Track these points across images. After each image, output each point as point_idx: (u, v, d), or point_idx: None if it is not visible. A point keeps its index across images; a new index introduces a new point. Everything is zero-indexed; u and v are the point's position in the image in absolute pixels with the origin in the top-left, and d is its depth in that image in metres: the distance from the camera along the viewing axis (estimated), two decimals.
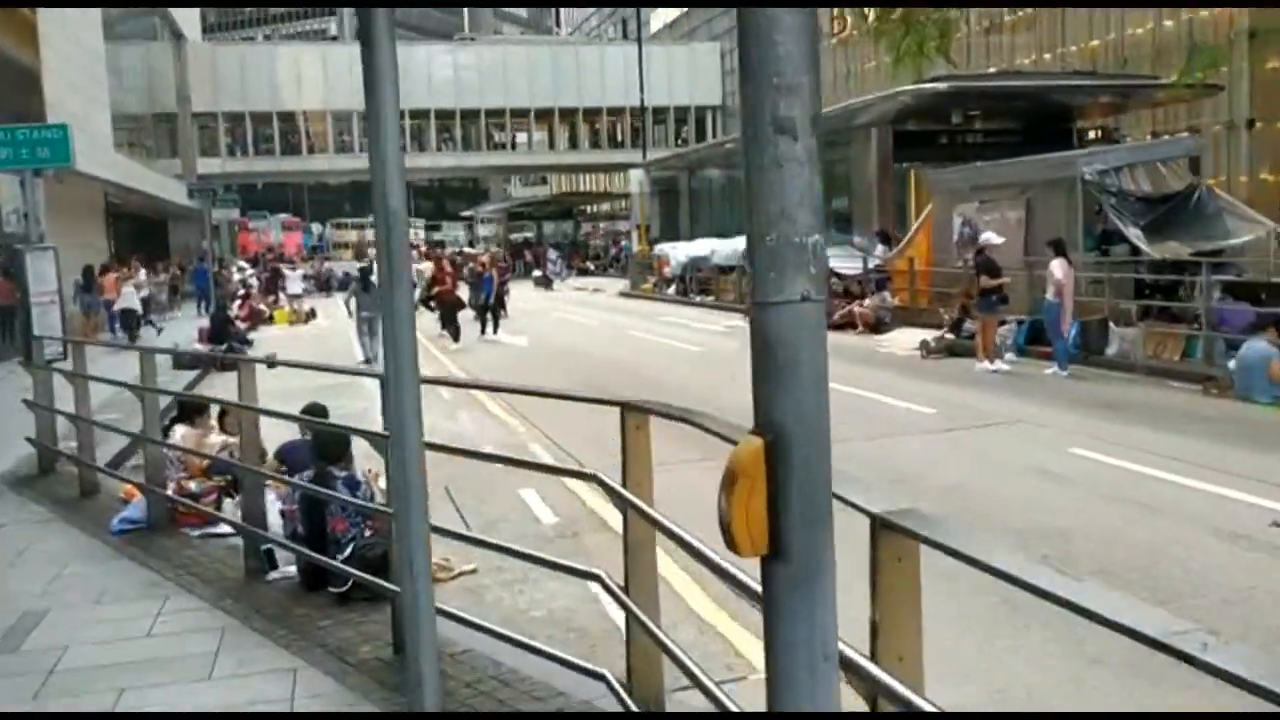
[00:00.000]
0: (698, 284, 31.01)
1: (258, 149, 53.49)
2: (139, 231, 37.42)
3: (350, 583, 5.69)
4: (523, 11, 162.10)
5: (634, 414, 3.83)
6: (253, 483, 6.51)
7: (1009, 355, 14.80)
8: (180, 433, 8.25)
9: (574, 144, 58.46)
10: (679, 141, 57.58)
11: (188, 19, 51.17)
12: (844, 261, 23.10)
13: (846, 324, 20.42)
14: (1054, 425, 10.21)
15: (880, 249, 22.71)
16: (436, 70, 54.99)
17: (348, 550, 5.88)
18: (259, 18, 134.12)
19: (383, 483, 7.50)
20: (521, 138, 58.49)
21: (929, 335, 17.19)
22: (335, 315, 33.04)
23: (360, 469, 6.51)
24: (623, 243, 58.33)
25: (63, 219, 23.87)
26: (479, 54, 57.68)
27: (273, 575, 6.39)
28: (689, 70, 57.73)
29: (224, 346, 20.13)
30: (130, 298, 24.25)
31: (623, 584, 3.88)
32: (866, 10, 26.38)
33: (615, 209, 77.83)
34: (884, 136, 23.87)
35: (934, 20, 19.90)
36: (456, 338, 20.68)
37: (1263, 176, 26.34)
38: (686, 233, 36.96)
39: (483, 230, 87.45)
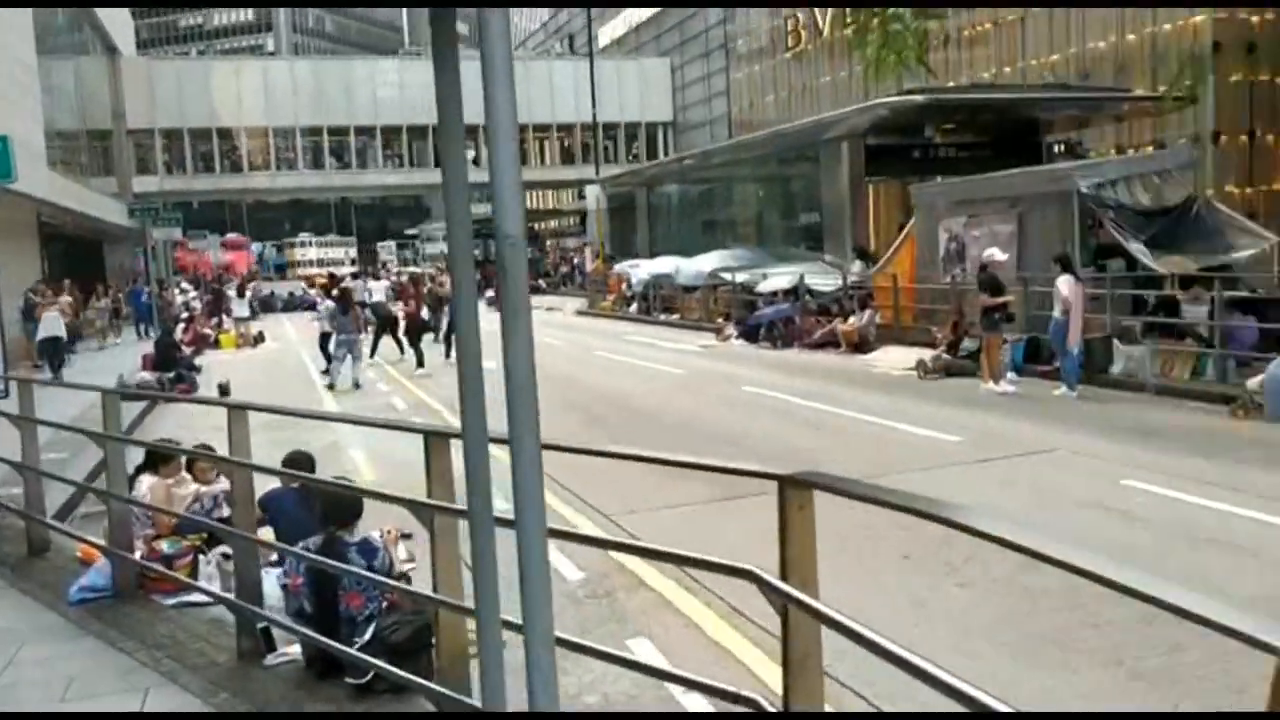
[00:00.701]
0: (661, 302, 30.26)
1: (196, 166, 51.81)
2: (73, 253, 35.73)
3: (372, 673, 4.77)
4: (464, 25, 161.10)
5: (798, 490, 2.99)
6: (246, 549, 5.55)
7: (1010, 375, 14.20)
8: (147, 484, 7.24)
9: (523, 160, 57.35)
10: (630, 157, 56.96)
11: (122, 33, 49.45)
12: (818, 278, 22.53)
13: (827, 343, 19.81)
14: (1093, 454, 9.55)
15: (858, 265, 22.15)
16: (382, 85, 53.78)
17: (368, 633, 4.96)
18: (194, 33, 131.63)
19: (403, 549, 6.60)
20: (469, 154, 57.43)
21: (924, 354, 16.58)
22: (283, 337, 31.80)
23: (374, 530, 5.59)
24: (575, 260, 57.51)
25: None
26: (428, 69, 56.55)
27: (272, 659, 5.42)
28: (639, 86, 57.18)
29: (171, 375, 18.92)
30: (54, 324, 21.46)
31: (782, 708, 3.02)
32: (844, 20, 25.82)
33: (563, 226, 77.11)
34: (855, 150, 23.36)
35: (912, 30, 19.33)
36: (421, 362, 19.64)
37: (1229, 189, 26.28)
38: (644, 249, 36.25)
39: (430, 248, 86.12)
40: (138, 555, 6.66)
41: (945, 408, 12.44)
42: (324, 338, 20.95)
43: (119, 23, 49.25)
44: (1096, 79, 28.82)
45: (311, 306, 47.75)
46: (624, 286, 35.93)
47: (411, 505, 4.52)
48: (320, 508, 5.31)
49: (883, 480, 8.62)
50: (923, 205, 18.90)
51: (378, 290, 28.11)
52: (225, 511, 7.83)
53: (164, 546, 6.75)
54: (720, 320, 26.36)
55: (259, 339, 29.24)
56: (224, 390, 18.39)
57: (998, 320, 13.52)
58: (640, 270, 31.63)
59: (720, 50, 52.00)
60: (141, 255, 56.30)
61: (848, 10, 27.61)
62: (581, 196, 71.35)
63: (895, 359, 17.45)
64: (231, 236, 60.63)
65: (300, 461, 6.80)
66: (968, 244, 17.38)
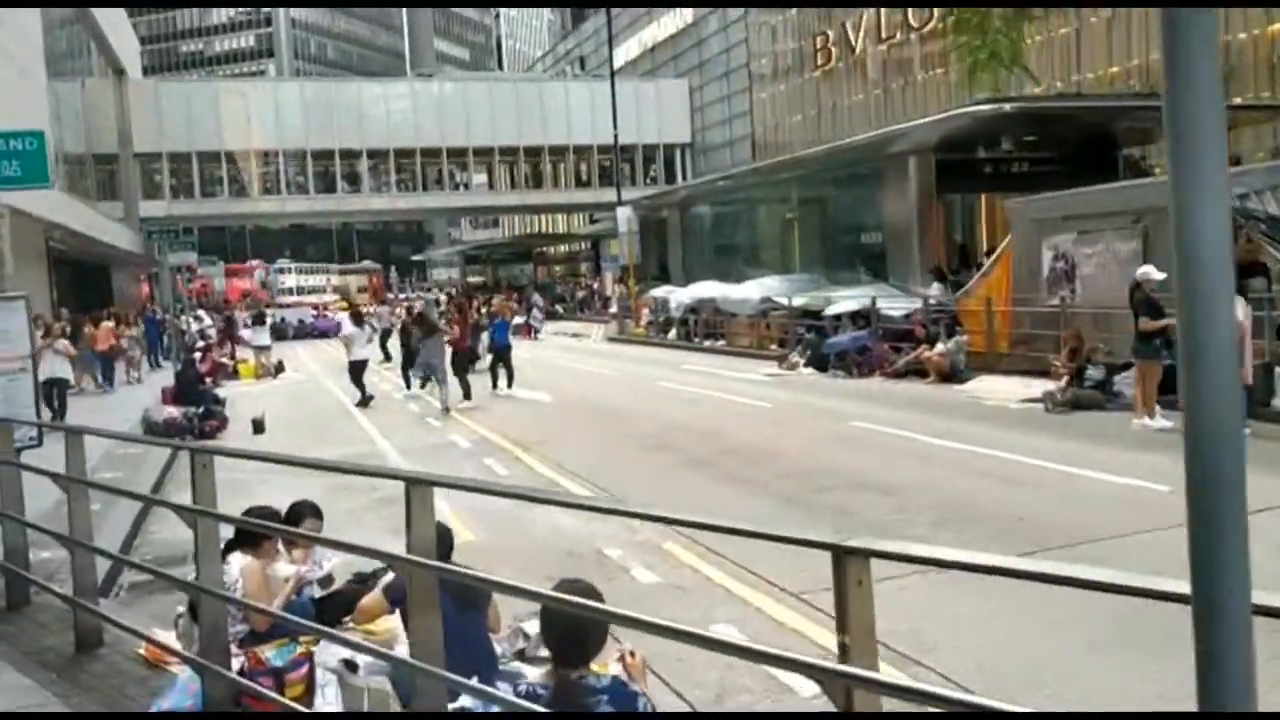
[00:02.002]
0: (703, 328, 28.66)
1: (204, 191, 50.30)
2: (81, 278, 34.16)
3: None
4: (465, 51, 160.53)
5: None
6: (435, 688, 3.88)
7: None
8: (239, 565, 5.60)
9: (538, 183, 56.06)
10: (648, 180, 55.54)
11: (129, 55, 48.09)
12: (890, 302, 20.97)
13: (910, 371, 18.22)
14: None
15: (935, 288, 20.56)
16: (394, 107, 52.41)
17: None
18: (195, 59, 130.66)
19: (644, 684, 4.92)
20: (481, 178, 55.92)
21: (1032, 384, 15.03)
22: (303, 366, 30.16)
23: (610, 657, 3.93)
24: (594, 284, 55.99)
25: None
26: (440, 90, 55.16)
27: None
28: (657, 107, 55.87)
29: (200, 410, 17.25)
30: (56, 365, 17.79)
31: None
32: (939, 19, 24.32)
33: (573, 250, 75.66)
34: (925, 166, 21.81)
35: (1009, 28, 17.85)
36: (468, 394, 17.98)
37: None
38: (678, 273, 34.67)
39: (437, 274, 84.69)
40: (235, 667, 5.00)
41: (1113, 448, 10.81)
42: (355, 367, 19.33)
43: (127, 45, 47.92)
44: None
45: (323, 334, 46.35)
46: (647, 311, 34.42)
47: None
48: (551, 639, 3.63)
49: (1125, 545, 7.00)
50: (1022, 221, 17.35)
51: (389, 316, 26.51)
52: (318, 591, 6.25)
53: (270, 656, 5.08)
54: (775, 347, 24.81)
55: (279, 368, 27.60)
56: (258, 426, 16.77)
57: (1158, 346, 11.91)
58: (679, 295, 30.04)
59: (741, 70, 50.69)
60: (146, 280, 54.88)
61: (939, 12, 26.11)
62: (593, 220, 70.12)
63: (1000, 389, 15.84)
64: (256, 263, 59.01)
65: (445, 538, 5.16)
66: (1079, 263, 15.82)
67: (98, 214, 34.00)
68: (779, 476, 10.33)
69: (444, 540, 4.92)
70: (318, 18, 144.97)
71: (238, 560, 5.64)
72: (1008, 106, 19.19)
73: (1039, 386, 15.31)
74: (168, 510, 7.89)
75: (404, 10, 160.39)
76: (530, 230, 78.77)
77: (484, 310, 20.97)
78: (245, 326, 42.63)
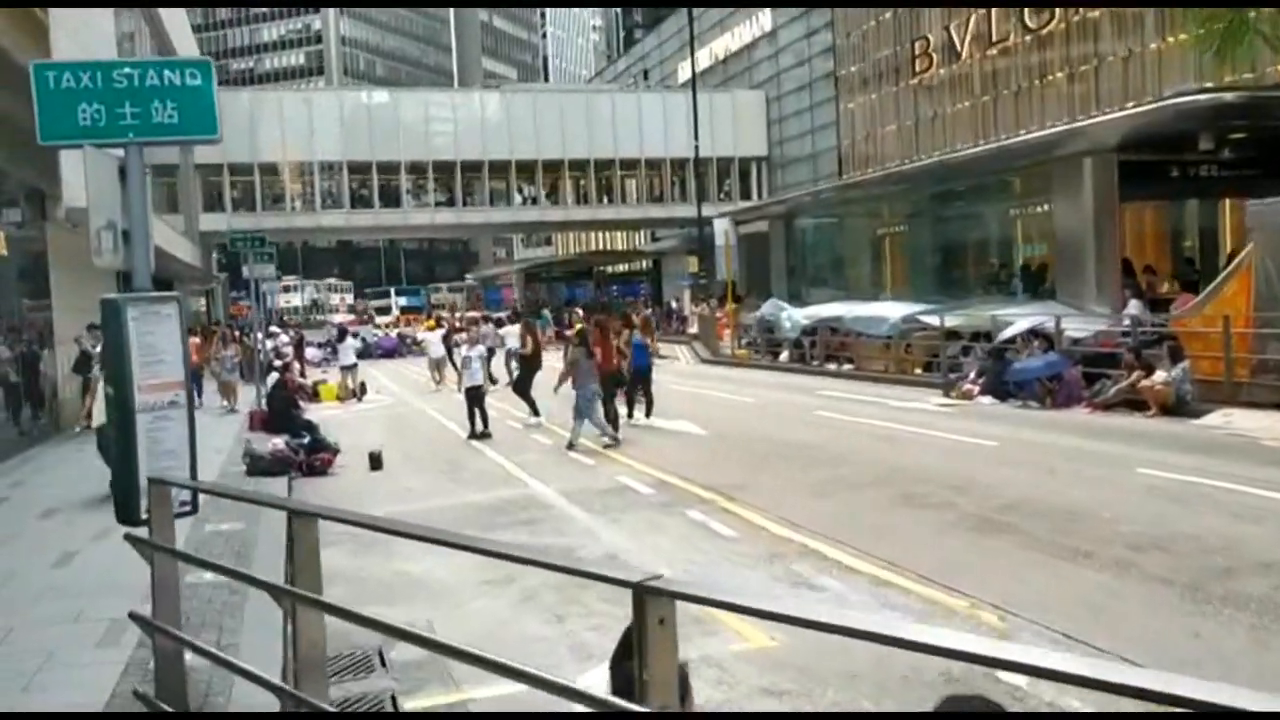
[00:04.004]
0: (824, 349, 26.12)
1: (265, 204, 48.46)
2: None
3: None
4: (512, 70, 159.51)
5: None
6: None
7: None
8: None
9: (608, 198, 53.81)
10: (722, 195, 53.14)
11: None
12: (1070, 323, 18.36)
13: (1121, 403, 15.60)
14: None
15: (1135, 305, 17.93)
16: (464, 119, 50.40)
17: None
18: (245, 77, 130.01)
19: None
20: (543, 190, 53.65)
21: None
22: (385, 388, 27.94)
23: None
24: (672, 303, 53.58)
25: (68, 275, 18.75)
26: (509, 101, 53.13)
27: None
28: (732, 120, 53.53)
29: (306, 441, 14.90)
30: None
31: None
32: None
33: (633, 269, 73.38)
34: (1105, 168, 19.18)
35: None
36: (616, 425, 15.51)
37: None
38: (779, 290, 32.12)
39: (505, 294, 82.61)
40: None
41: None
42: (472, 395, 16.95)
43: (187, 48, 46.24)
44: None
45: (388, 354, 44.26)
46: (728, 332, 31.94)
47: None
48: None
49: None
50: (1270, 228, 14.70)
51: (511, 336, 24.13)
52: None
53: None
54: (919, 372, 22.23)
55: (362, 390, 25.37)
56: (376, 461, 14.42)
57: None
58: (795, 314, 27.50)
59: (826, 80, 48.18)
60: (204, 297, 53.05)
61: (1060, 12, 23.20)
62: (655, 238, 67.85)
63: (1261, 426, 13.19)
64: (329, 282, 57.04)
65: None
66: None
67: (164, 224, 32.05)
68: (1130, 549, 7.77)
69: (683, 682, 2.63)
70: (367, 35, 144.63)
71: None
72: (1230, 96, 16.56)
73: None
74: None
75: (453, 28, 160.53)
76: (588, 247, 76.64)
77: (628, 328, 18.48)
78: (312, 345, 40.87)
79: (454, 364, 28.08)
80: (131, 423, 5.25)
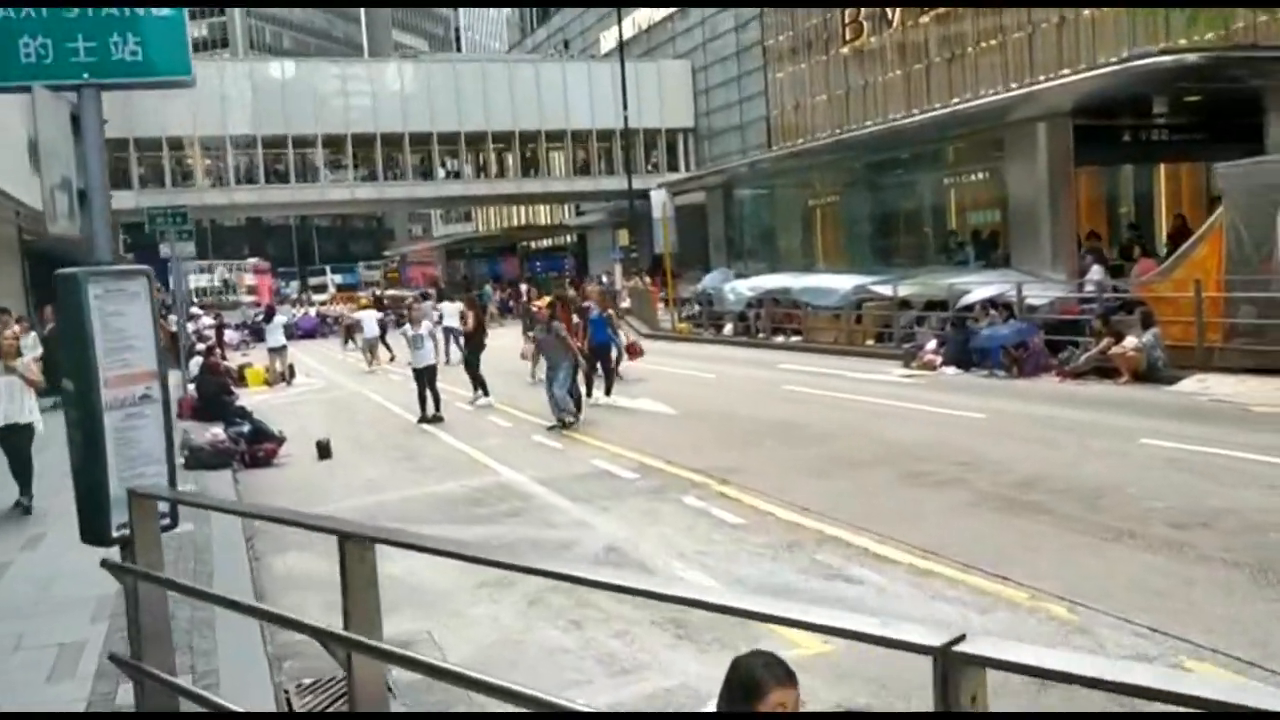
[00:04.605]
0: (772, 322, 25.61)
1: (175, 180, 46.24)
2: (48, 278, 30.21)
3: None
4: (424, 42, 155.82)
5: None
6: None
7: None
8: None
9: (534, 170, 52.67)
10: (650, 167, 52.32)
11: None
12: (1032, 290, 18.09)
13: (1091, 370, 15.33)
14: None
15: (1096, 271, 17.70)
16: (382, 90, 48.70)
17: None
18: None
19: None
20: (467, 165, 52.13)
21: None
22: (315, 371, 26.71)
23: None
24: (603, 278, 52.63)
25: None
26: (429, 71, 51.47)
27: None
28: (658, 91, 52.66)
29: (247, 430, 13.84)
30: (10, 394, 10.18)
31: None
32: None
33: (557, 244, 72.25)
34: (1059, 132, 18.88)
35: None
36: (580, 405, 14.75)
37: None
38: (720, 261, 31.52)
39: (409, 271, 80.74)
40: None
41: None
42: (422, 375, 15.99)
43: None
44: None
45: (308, 335, 42.57)
46: (662, 305, 31.33)
47: None
48: None
49: None
50: (1241, 189, 14.47)
51: (450, 313, 23.08)
52: None
53: None
54: (871, 343, 21.84)
55: (291, 374, 24.13)
56: (324, 449, 13.45)
57: None
58: (740, 286, 26.93)
59: (754, 49, 47.60)
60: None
61: None
62: (580, 212, 66.73)
63: (1240, 391, 12.98)
64: (253, 262, 54.56)
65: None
66: None
67: None
68: (1173, 528, 7.31)
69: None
70: (273, 7, 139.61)
71: None
72: (1192, 57, 16.33)
73: None
74: None
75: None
76: (511, 223, 75.21)
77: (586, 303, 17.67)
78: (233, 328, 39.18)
79: (386, 344, 27.10)
80: (98, 423, 4.35)
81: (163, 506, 4.27)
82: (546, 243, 72.90)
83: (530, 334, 15.32)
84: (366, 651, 2.81)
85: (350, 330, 34.74)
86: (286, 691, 5.72)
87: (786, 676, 2.80)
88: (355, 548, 2.87)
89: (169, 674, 3.77)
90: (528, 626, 6.46)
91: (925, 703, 1.79)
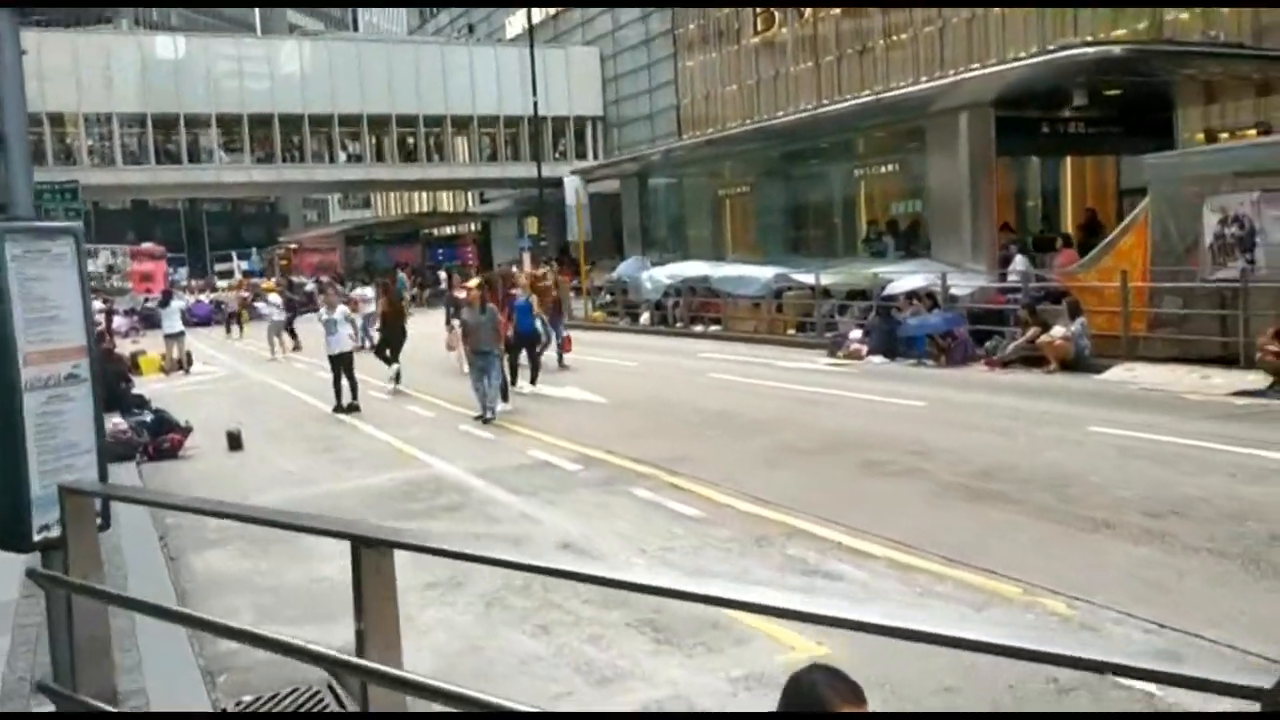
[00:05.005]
0: (688, 312, 25.31)
1: (56, 158, 43.78)
2: None
3: None
4: (319, 23, 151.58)
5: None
6: None
7: None
8: None
9: (440, 156, 51.48)
10: (558, 155, 51.60)
11: None
12: (955, 280, 18.10)
13: (1020, 359, 15.36)
14: None
15: (1020, 261, 17.79)
16: (281, 70, 46.95)
17: None
18: (35, 26, 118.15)
19: None
20: (370, 149, 50.60)
21: (1245, 375, 12.38)
22: (213, 359, 25.47)
23: None
24: (512, 268, 51.65)
25: None
26: (330, 51, 49.78)
27: None
28: (566, 77, 51.96)
29: (149, 419, 12.94)
30: None
31: None
32: None
33: (459, 232, 70.96)
34: (981, 123, 18.92)
35: None
36: (506, 394, 14.17)
37: None
38: (635, 250, 31.08)
39: (307, 258, 78.35)
40: None
41: None
42: (338, 362, 15.18)
43: None
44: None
45: (204, 322, 40.76)
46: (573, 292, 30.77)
47: None
48: None
49: None
50: (1168, 180, 14.61)
51: (367, 301, 22.18)
52: None
53: None
54: (792, 332, 21.69)
55: (189, 361, 22.90)
56: (235, 440, 12.63)
57: None
58: (658, 274, 26.55)
59: (663, 38, 47.26)
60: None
61: None
62: (484, 200, 65.57)
63: (1167, 380, 13.08)
64: (148, 246, 51.67)
65: None
66: (1267, 227, 13.17)
67: None
68: (1148, 517, 7.14)
69: None
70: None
71: None
72: (1118, 49, 16.48)
73: (1218, 375, 12.74)
74: None
75: None
76: (409, 210, 73.60)
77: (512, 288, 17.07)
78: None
79: (293, 332, 26.01)
80: (16, 407, 3.70)
81: (98, 505, 3.64)
82: (450, 230, 71.57)
83: (454, 323, 14.63)
84: (390, 684, 2.28)
85: (233, 318, 33.39)
86: (224, 710, 5.09)
87: (852, 693, 2.38)
88: (372, 555, 2.34)
89: (108, 703, 3.16)
90: (490, 632, 5.93)
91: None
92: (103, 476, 3.97)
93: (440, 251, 69.15)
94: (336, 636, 6.22)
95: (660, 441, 11.08)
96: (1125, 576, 6.07)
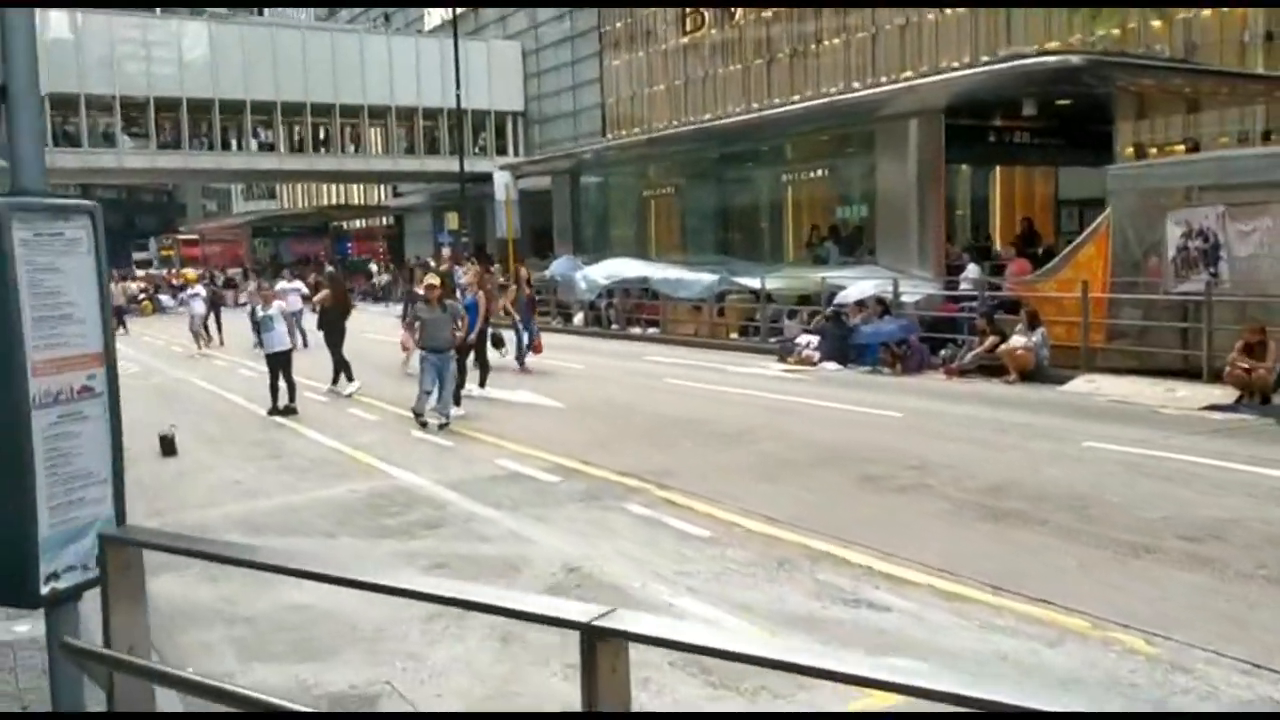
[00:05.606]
0: (624, 314, 24.79)
1: None
2: None
3: None
4: (223, 8, 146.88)
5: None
6: None
7: None
8: None
9: (356, 148, 49.98)
10: (478, 149, 50.55)
11: None
12: (903, 286, 17.95)
13: (977, 369, 15.23)
14: None
15: (973, 269, 17.71)
16: (190, 51, 45.00)
17: None
18: None
19: None
20: (282, 138, 48.85)
21: (1212, 388, 12.36)
22: (125, 354, 24.00)
23: None
24: (430, 262, 50.38)
25: None
26: (242, 34, 47.85)
27: None
28: (487, 71, 50.90)
29: None
30: None
31: None
32: None
33: (370, 226, 69.31)
34: (931, 130, 18.84)
35: None
36: (457, 399, 13.44)
37: None
38: (566, 249, 30.45)
39: (208, 249, 75.61)
40: None
41: None
42: (276, 361, 14.23)
43: None
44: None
45: (118, 314, 38.68)
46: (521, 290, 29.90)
47: None
48: None
49: None
50: (1130, 191, 14.61)
51: (294, 295, 21.11)
52: None
53: None
54: (734, 336, 21.34)
55: None
56: (168, 445, 11.68)
57: None
58: (592, 274, 25.94)
59: (590, 35, 46.62)
60: None
61: None
62: (397, 193, 64.00)
63: (1132, 392, 13.03)
64: None
65: None
66: (1231, 241, 13.21)
67: None
68: (1186, 540, 6.86)
69: None
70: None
71: None
72: (1075, 59, 16.46)
73: (1182, 388, 12.73)
74: None
75: None
76: (316, 202, 71.51)
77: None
78: None
79: (217, 326, 24.91)
80: (22, 427, 2.98)
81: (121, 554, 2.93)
82: (360, 223, 69.87)
83: (410, 319, 13.81)
84: None
85: (118, 312, 31.78)
86: None
87: None
88: (609, 650, 1.75)
89: None
90: (515, 673, 5.30)
91: None
92: (119, 514, 3.26)
93: (350, 245, 67.45)
94: (338, 675, 5.55)
95: (634, 450, 10.52)
96: (1193, 608, 5.74)
